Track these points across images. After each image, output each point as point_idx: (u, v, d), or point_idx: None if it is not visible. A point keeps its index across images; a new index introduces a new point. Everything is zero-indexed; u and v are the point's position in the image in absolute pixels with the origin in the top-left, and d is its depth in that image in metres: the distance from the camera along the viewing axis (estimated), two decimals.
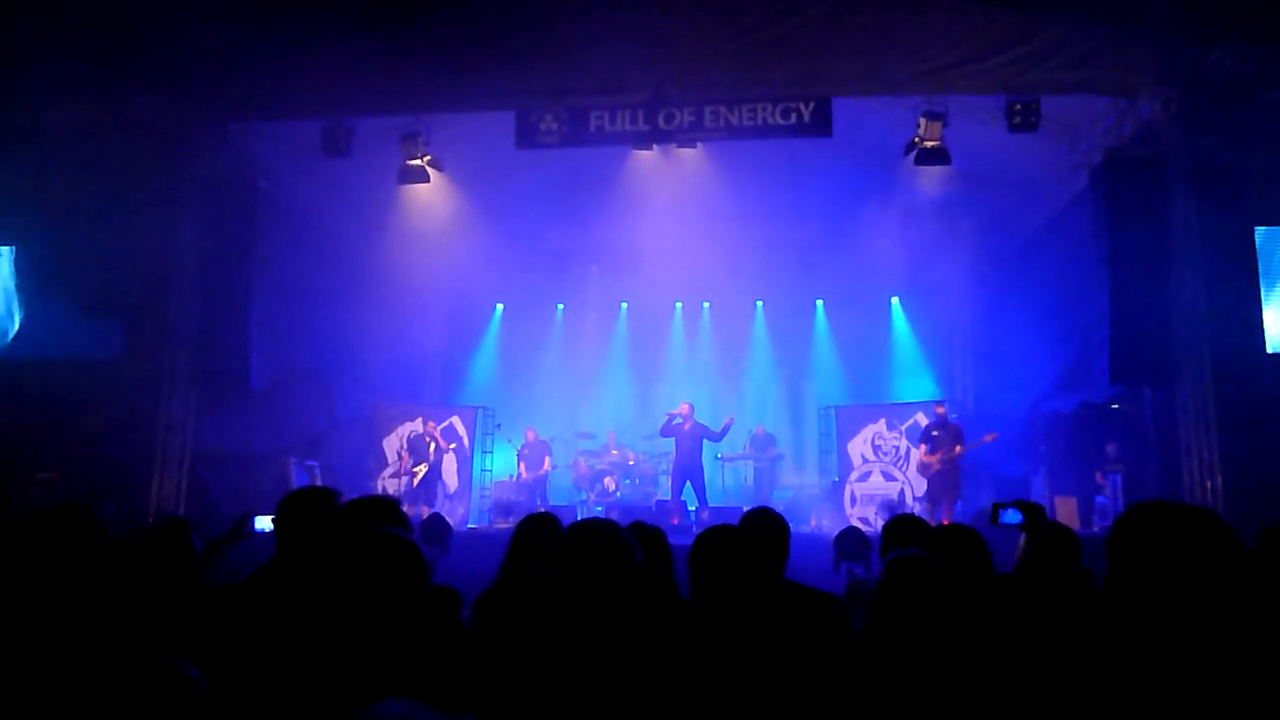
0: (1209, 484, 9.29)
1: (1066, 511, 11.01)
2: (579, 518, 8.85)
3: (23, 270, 11.19)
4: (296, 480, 11.44)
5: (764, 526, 3.45)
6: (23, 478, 9.66)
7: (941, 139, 10.24)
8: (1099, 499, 11.62)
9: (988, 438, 11.86)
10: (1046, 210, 12.70)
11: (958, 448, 11.61)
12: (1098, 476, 11.81)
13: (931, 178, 11.27)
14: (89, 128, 10.18)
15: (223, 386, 10.72)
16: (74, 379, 10.77)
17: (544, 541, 2.88)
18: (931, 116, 10.16)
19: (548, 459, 14.16)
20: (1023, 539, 3.32)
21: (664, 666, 2.33)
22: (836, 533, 5.16)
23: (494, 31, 10.13)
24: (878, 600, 2.27)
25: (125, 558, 2.43)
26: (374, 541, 2.40)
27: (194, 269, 10.64)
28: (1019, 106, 9.83)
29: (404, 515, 2.97)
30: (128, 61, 9.81)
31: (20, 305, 11.25)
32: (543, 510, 4.77)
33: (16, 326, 11.27)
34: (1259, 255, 10.06)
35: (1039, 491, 12.38)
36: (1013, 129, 9.89)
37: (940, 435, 11.83)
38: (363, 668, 2.17)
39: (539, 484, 13.99)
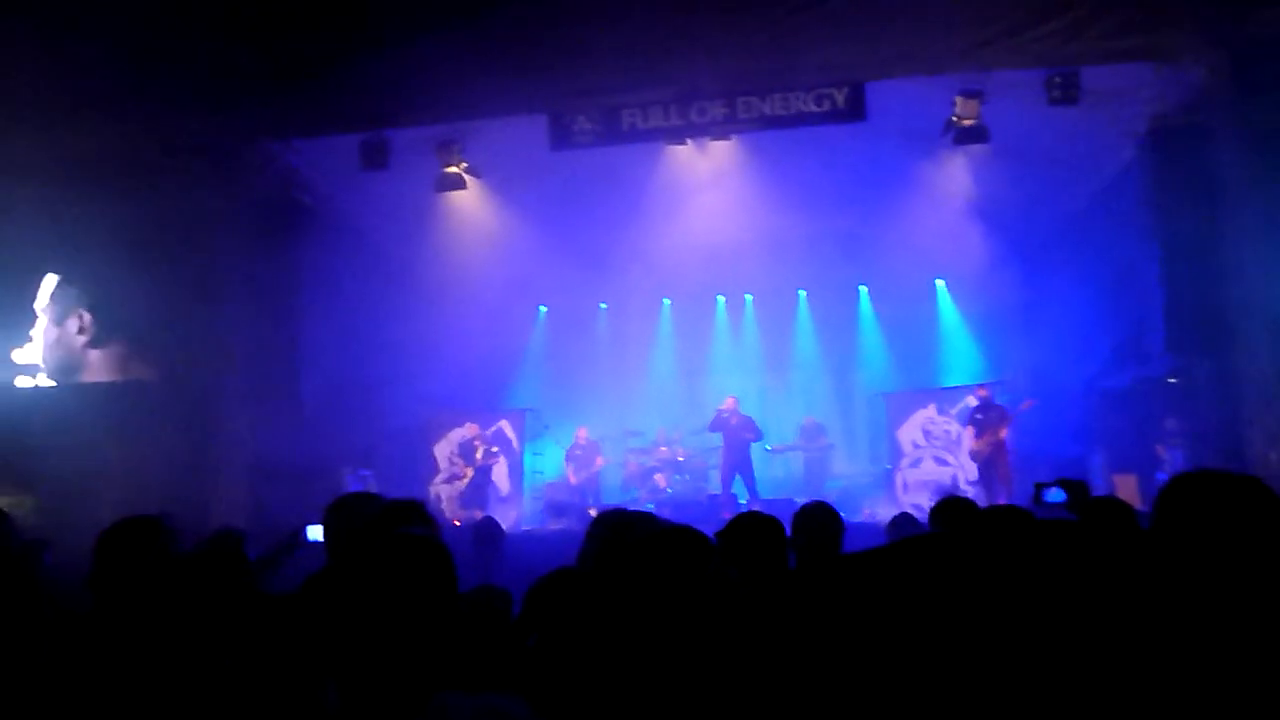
0: (1272, 455, 9.02)
1: (1127, 489, 10.77)
2: None
3: (72, 298, 11.40)
4: (350, 490, 11.59)
5: (816, 519, 3.72)
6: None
7: (979, 117, 10.07)
8: (1159, 475, 11.36)
9: (1025, 405, 11.67)
10: (1093, 184, 12.40)
11: (1002, 430, 11.45)
12: (1158, 452, 11.55)
13: (971, 156, 11.08)
14: (128, 150, 10.34)
15: (275, 401, 10.91)
16: (134, 399, 11.00)
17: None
18: (968, 94, 9.99)
19: (599, 457, 14.21)
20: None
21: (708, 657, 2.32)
22: (889, 520, 5.14)
23: (523, 35, 10.15)
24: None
25: (185, 571, 2.49)
26: (392, 542, 2.40)
27: (241, 286, 10.82)
28: (1058, 79, 9.60)
29: (429, 516, 2.98)
30: (163, 82, 9.94)
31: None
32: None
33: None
34: None
35: (1097, 470, 12.13)
36: (1052, 102, 9.67)
37: (984, 419, 11.68)
38: (403, 667, 2.18)
39: (591, 483, 14.04)
